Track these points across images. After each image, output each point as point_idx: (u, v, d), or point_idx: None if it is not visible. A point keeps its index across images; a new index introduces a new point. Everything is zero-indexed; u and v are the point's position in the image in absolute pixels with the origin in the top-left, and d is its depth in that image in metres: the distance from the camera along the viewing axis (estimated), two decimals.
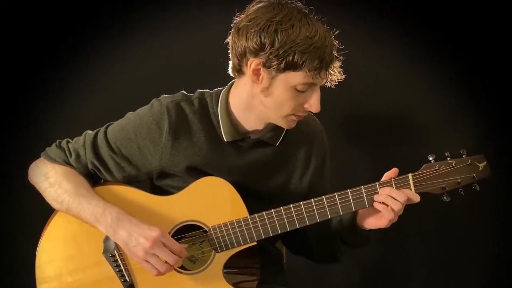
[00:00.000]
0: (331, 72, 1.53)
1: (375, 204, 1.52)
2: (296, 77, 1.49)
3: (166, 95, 1.65)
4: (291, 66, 1.47)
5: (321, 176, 1.75)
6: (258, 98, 1.56)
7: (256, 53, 1.49)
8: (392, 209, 1.49)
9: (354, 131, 2.23)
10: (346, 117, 2.18)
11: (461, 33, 2.05)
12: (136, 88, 2.12)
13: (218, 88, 1.68)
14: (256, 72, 1.52)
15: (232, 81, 1.66)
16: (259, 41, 1.47)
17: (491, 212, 2.15)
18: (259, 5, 1.52)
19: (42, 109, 2.16)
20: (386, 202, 1.50)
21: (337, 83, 1.57)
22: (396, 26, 2.10)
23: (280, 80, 1.51)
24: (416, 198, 1.51)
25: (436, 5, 2.05)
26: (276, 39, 1.46)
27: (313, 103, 1.54)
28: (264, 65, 1.49)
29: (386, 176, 1.55)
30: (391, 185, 1.52)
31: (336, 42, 1.53)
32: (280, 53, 1.46)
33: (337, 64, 1.54)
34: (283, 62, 1.47)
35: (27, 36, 2.09)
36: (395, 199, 1.49)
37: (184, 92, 1.67)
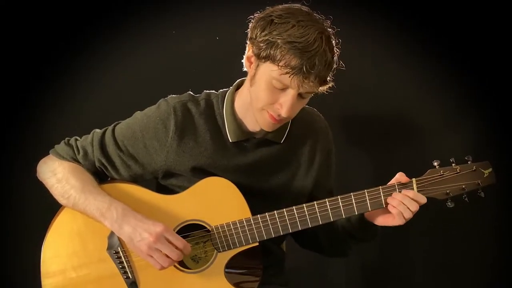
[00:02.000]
0: (306, 82, 1.47)
1: (390, 208, 1.52)
2: (273, 71, 1.48)
3: (173, 96, 1.67)
4: (270, 57, 1.47)
5: (326, 173, 1.74)
6: (248, 89, 1.58)
7: (251, 39, 1.52)
8: (404, 215, 1.50)
9: (354, 132, 2.23)
10: (346, 118, 2.18)
11: (461, 33, 2.05)
12: (135, 89, 2.14)
13: (224, 89, 1.69)
14: (249, 59, 1.54)
15: (238, 80, 1.68)
16: (254, 26, 1.50)
17: (492, 212, 2.14)
18: (284, 5, 1.54)
19: (42, 109, 2.17)
20: (399, 208, 1.50)
21: (330, 91, 1.56)
22: (397, 27, 2.10)
23: (262, 69, 1.51)
24: (423, 200, 1.51)
25: (436, 5, 2.05)
26: (267, 28, 1.47)
27: (284, 104, 1.51)
28: (253, 52, 1.51)
29: (395, 179, 1.55)
30: (395, 190, 1.53)
31: (334, 65, 1.50)
32: (264, 40, 1.47)
33: (316, 80, 1.47)
34: (265, 51, 1.47)
35: (28, 36, 2.10)
36: (407, 207, 1.50)
37: (191, 93, 1.69)
